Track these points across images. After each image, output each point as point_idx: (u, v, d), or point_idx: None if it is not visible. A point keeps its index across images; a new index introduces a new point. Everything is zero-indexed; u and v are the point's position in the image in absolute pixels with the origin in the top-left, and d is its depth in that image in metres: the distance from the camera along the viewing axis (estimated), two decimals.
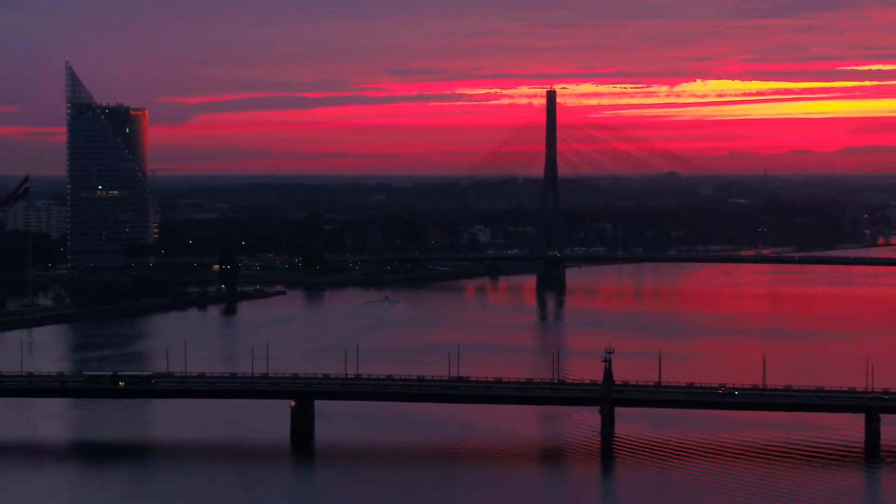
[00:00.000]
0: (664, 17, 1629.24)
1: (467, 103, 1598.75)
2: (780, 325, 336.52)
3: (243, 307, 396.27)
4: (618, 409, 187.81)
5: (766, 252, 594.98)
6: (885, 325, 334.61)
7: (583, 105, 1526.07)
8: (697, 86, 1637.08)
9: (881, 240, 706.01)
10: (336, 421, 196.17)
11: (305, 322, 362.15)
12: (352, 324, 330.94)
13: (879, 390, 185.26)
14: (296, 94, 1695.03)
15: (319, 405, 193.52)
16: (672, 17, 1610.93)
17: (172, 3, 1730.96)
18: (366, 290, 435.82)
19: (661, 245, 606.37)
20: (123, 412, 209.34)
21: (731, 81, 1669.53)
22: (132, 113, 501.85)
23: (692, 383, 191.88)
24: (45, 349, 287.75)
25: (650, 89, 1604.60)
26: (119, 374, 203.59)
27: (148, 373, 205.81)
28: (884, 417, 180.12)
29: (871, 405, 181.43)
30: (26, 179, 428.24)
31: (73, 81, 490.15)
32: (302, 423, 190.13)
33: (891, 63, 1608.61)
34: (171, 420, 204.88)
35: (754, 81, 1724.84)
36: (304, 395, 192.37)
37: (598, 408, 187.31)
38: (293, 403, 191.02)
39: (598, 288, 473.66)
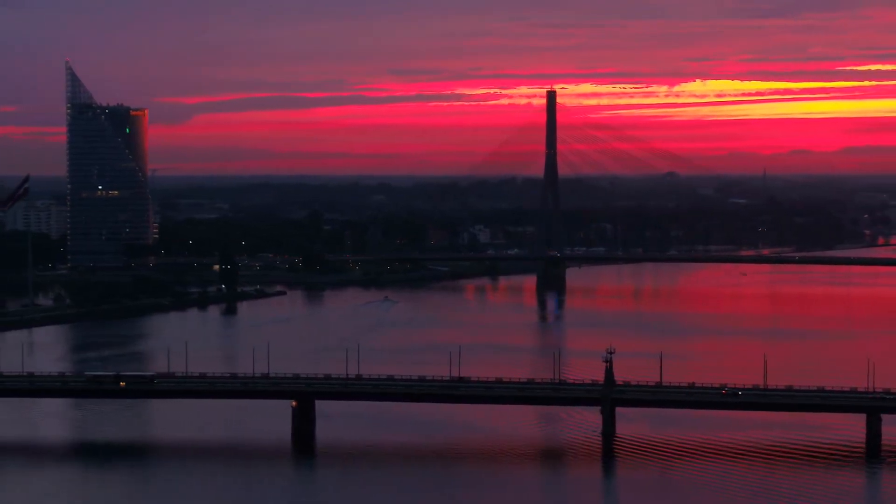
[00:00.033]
0: (664, 18, 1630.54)
1: (467, 103, 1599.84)
2: (780, 326, 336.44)
3: (243, 307, 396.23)
4: (619, 410, 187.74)
5: (765, 252, 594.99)
6: (884, 325, 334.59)
7: (582, 105, 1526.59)
8: (697, 86, 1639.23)
9: (881, 240, 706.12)
10: (337, 421, 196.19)
11: (306, 322, 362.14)
12: (352, 324, 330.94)
13: (881, 390, 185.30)
14: (295, 94, 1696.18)
15: (320, 405, 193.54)
16: (671, 17, 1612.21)
17: (172, 3, 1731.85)
18: (366, 291, 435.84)
19: (661, 245, 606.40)
20: (124, 412, 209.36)
21: (730, 81, 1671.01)
22: (132, 113, 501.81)
23: (693, 383, 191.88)
24: (45, 349, 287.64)
25: (649, 89, 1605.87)
26: (122, 374, 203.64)
27: (151, 373, 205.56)
28: (885, 417, 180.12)
29: (872, 405, 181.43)
30: (27, 179, 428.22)
31: (73, 81, 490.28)
32: (303, 424, 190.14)
33: (890, 63, 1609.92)
34: (172, 420, 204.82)
35: (754, 81, 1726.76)
36: (306, 395, 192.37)
37: (599, 408, 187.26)
38: (294, 404, 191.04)
39: (598, 288, 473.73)
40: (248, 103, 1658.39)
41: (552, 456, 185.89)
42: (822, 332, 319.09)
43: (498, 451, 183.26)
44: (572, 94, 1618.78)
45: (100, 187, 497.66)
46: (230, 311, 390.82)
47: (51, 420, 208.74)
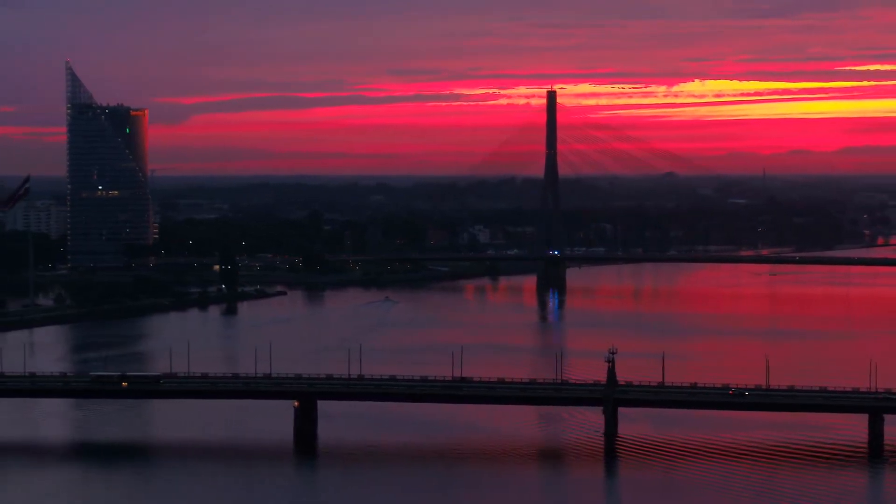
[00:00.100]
0: (663, 18, 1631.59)
1: (466, 103, 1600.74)
2: (779, 326, 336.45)
3: (244, 307, 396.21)
4: (621, 410, 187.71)
5: (765, 252, 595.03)
6: (884, 325, 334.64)
7: (581, 105, 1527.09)
8: (696, 86, 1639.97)
9: (880, 240, 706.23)
10: (339, 421, 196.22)
11: (306, 322, 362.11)
12: (353, 324, 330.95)
13: (883, 391, 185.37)
14: (295, 95, 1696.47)
15: (322, 405, 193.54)
16: (670, 17, 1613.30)
17: (172, 3, 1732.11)
18: (366, 291, 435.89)
19: (661, 245, 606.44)
20: (126, 412, 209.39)
21: (729, 81, 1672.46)
22: (132, 113, 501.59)
23: (695, 383, 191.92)
24: (46, 349, 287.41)
25: (648, 89, 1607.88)
26: (127, 374, 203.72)
27: (156, 373, 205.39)
28: (888, 418, 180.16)
29: (875, 405, 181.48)
30: (27, 179, 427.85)
31: (74, 81, 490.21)
32: (305, 424, 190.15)
33: (889, 63, 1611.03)
34: (173, 420, 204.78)
35: (752, 81, 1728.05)
36: (308, 395, 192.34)
37: (601, 408, 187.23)
38: (296, 404, 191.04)
39: (598, 288, 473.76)
40: (247, 103, 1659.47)
41: (554, 456, 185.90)
42: (822, 333, 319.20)
43: (500, 452, 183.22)
44: (571, 94, 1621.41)
45: (100, 187, 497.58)
46: (230, 311, 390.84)
47: (52, 420, 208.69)
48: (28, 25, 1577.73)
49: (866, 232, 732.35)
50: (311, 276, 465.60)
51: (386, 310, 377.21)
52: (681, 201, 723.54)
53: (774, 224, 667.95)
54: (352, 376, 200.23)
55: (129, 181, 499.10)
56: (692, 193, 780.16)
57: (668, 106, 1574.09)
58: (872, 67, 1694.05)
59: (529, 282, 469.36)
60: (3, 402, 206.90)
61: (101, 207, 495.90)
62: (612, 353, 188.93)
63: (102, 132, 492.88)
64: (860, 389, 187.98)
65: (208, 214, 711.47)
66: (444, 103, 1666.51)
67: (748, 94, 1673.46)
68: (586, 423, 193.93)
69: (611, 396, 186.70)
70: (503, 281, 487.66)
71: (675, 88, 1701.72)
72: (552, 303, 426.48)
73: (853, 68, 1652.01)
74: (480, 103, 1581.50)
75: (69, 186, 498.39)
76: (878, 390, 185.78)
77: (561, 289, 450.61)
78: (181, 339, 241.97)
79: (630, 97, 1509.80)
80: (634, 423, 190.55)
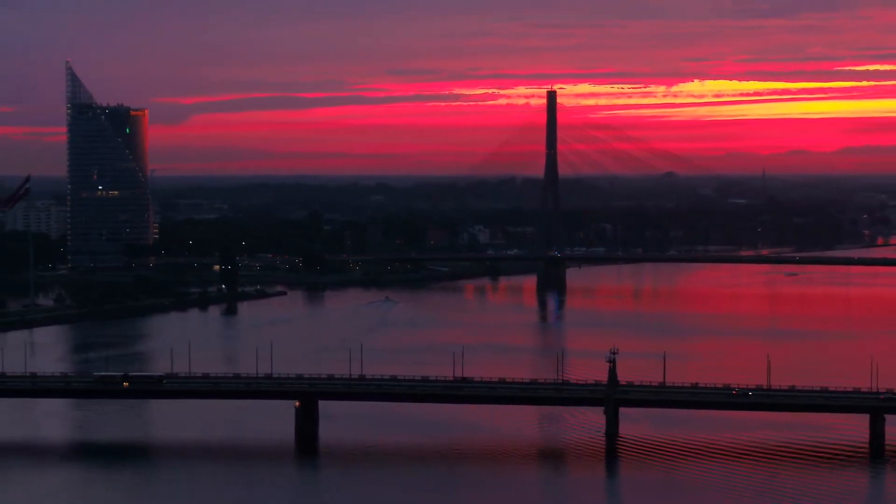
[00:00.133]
0: (662, 18, 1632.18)
1: (465, 103, 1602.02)
2: (779, 326, 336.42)
3: (244, 307, 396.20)
4: (622, 410, 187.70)
5: (765, 252, 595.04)
6: (885, 325, 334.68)
7: (580, 105, 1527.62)
8: (695, 86, 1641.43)
9: (880, 240, 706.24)
10: (340, 421, 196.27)
11: (307, 322, 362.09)
12: (353, 324, 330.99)
13: (884, 391, 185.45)
14: (293, 95, 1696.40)
15: (324, 405, 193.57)
16: (670, 17, 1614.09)
17: (172, 3, 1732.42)
18: (366, 291, 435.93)
19: (661, 245, 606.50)
20: (127, 413, 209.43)
21: (728, 82, 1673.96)
22: (132, 113, 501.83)
23: (696, 384, 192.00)
24: (46, 349, 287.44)
25: (648, 89, 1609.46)
26: (130, 374, 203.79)
27: (160, 374, 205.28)
28: (889, 418, 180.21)
29: (876, 406, 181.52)
30: (28, 179, 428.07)
31: (74, 81, 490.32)
32: (306, 424, 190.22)
33: (888, 63, 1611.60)
34: (175, 420, 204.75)
35: (752, 82, 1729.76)
36: (309, 395, 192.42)
37: (602, 408, 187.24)
38: (297, 404, 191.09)
39: (598, 288, 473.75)
40: (246, 103, 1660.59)
41: (555, 456, 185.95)
42: (822, 333, 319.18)
43: (501, 452, 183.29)
44: (570, 94, 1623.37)
45: (100, 187, 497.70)
46: (231, 311, 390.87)
47: (53, 420, 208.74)
48: (28, 25, 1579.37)
49: (866, 232, 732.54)
50: (311, 276, 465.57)
51: (386, 310, 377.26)
52: (681, 201, 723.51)
53: (774, 224, 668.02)
54: (353, 376, 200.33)
55: (129, 181, 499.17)
56: (692, 193, 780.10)
57: (667, 106, 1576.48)
58: (872, 67, 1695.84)
59: (529, 282, 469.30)
60: (4, 402, 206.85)
61: (101, 207, 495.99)
62: (614, 354, 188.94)
63: (102, 132, 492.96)
64: (861, 390, 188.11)
65: (208, 214, 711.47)
66: (443, 103, 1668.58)
67: (748, 94, 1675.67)
68: (587, 423, 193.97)
69: (612, 396, 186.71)
70: (503, 281, 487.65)
71: (675, 88, 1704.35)
72: (552, 303, 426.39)
73: (853, 68, 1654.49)
74: (480, 103, 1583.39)
75: (69, 186, 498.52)
76: (880, 390, 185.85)
77: (561, 289, 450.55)
78: (182, 340, 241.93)
79: (629, 97, 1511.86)
80: (635, 424, 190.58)
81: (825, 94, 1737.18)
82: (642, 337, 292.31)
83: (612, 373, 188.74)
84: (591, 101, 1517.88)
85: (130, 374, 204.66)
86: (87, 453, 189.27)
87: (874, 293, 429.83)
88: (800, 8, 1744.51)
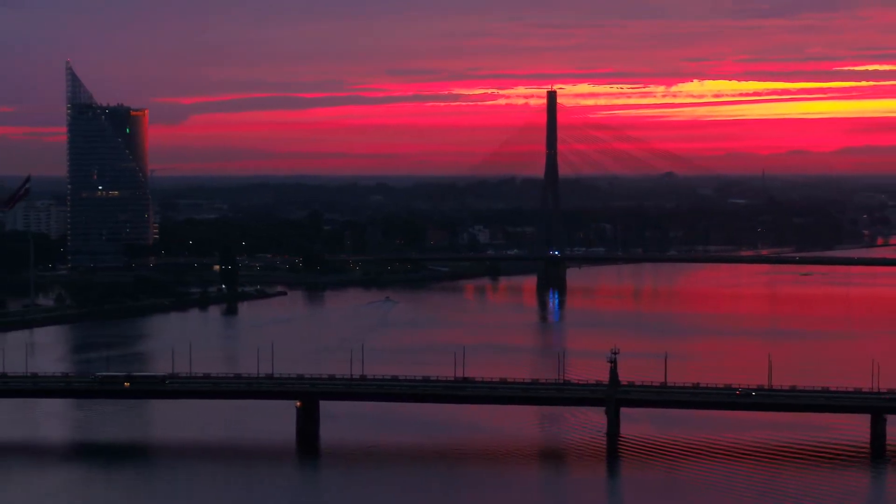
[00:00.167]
0: (661, 18, 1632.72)
1: (464, 103, 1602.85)
2: (780, 326, 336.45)
3: (244, 308, 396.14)
4: (623, 410, 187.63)
5: (765, 252, 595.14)
6: (885, 325, 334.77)
7: (580, 105, 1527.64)
8: (694, 86, 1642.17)
9: (880, 240, 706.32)
10: (341, 421, 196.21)
11: (307, 322, 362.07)
12: (353, 324, 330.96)
13: (886, 391, 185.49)
14: (293, 95, 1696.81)
15: (325, 405, 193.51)
16: (669, 17, 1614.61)
17: (172, 3, 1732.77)
18: (366, 291, 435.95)
19: (661, 245, 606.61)
20: (128, 413, 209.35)
21: (728, 82, 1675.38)
22: (132, 113, 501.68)
23: (697, 384, 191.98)
24: (47, 350, 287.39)
25: (647, 89, 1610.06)
26: (133, 374, 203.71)
27: (162, 374, 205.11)
28: (890, 418, 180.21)
29: (877, 406, 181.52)
30: (28, 179, 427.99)
31: (74, 82, 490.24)
32: (307, 424, 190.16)
33: (888, 63, 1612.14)
34: (175, 421, 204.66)
35: (751, 82, 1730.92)
36: (310, 395, 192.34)
37: (603, 408, 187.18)
38: (299, 404, 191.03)
39: (598, 288, 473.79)
40: (245, 103, 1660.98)
41: (556, 456, 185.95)
42: (822, 333, 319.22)
43: (502, 452, 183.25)
44: (570, 94, 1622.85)
45: (100, 187, 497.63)
46: (231, 311, 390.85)
47: (54, 420, 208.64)
48: (28, 25, 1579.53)
49: (866, 232, 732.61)
50: (312, 276, 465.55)
51: (386, 310, 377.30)
52: (680, 201, 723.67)
53: (774, 224, 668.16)
54: (354, 376, 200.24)
55: (129, 181, 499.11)
56: (692, 193, 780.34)
57: (666, 106, 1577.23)
58: (871, 67, 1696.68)
59: (529, 282, 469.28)
60: (5, 403, 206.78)
61: (101, 207, 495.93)
62: (615, 354, 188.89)
63: (102, 132, 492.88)
64: (862, 390, 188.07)
65: (208, 214, 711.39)
66: (443, 103, 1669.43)
67: (747, 95, 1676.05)
68: (589, 423, 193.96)
69: (613, 397, 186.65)
70: (503, 281, 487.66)
71: (674, 88, 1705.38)
72: (552, 303, 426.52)
73: (852, 68, 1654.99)
74: (479, 103, 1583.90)
75: (69, 186, 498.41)
76: (881, 390, 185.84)
77: (561, 289, 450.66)
78: (182, 340, 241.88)
79: (629, 97, 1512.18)
80: (636, 424, 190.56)
81: (825, 94, 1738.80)
82: (642, 337, 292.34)
83: (614, 373, 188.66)
84: (590, 102, 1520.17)
85: (133, 374, 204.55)
86: (88, 453, 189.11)
87: (874, 293, 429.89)
88: (799, 8, 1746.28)
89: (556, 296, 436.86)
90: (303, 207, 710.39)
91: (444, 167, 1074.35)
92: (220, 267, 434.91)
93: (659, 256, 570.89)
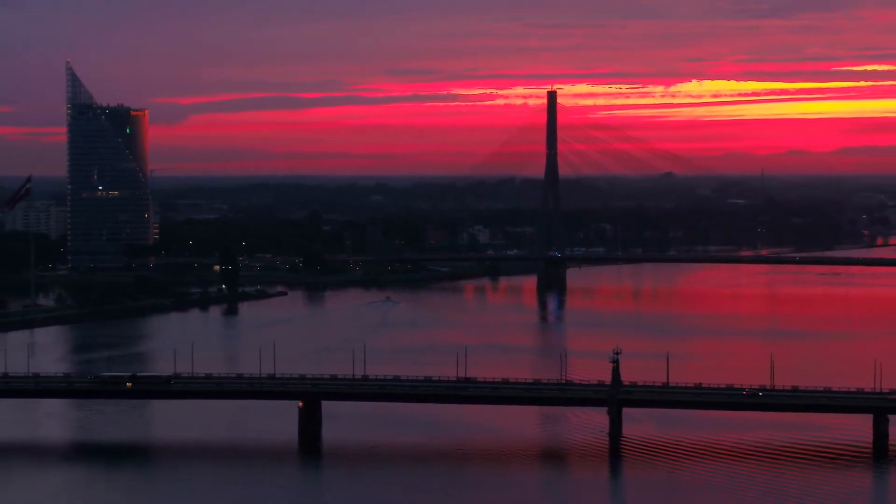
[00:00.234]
0: (660, 18, 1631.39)
1: (463, 104, 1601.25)
2: (780, 326, 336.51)
3: (245, 308, 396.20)
4: (625, 410, 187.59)
5: (764, 252, 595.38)
6: (885, 325, 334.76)
7: (579, 105, 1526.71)
8: (693, 86, 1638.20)
9: (879, 240, 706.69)
10: (343, 422, 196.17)
11: (307, 322, 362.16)
12: (354, 324, 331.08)
13: (888, 391, 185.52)
14: (292, 95, 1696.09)
15: (327, 406, 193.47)
16: (668, 17, 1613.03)
17: (172, 3, 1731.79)
18: (367, 291, 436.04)
19: (661, 245, 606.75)
20: (130, 413, 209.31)
21: (726, 82, 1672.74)
22: (132, 113, 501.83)
23: (700, 384, 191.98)
24: (47, 350, 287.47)
25: (646, 90, 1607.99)
26: (137, 375, 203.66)
27: (167, 374, 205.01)
28: (892, 418, 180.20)
29: (879, 406, 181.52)
30: (29, 179, 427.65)
31: (74, 82, 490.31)
32: (309, 424, 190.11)
33: (887, 63, 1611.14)
34: (177, 421, 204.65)
35: (750, 82, 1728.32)
36: (312, 395, 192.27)
37: (605, 408, 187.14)
38: (301, 404, 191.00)
39: (598, 288, 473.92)
40: (245, 104, 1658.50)
41: (558, 457, 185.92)
42: (822, 333, 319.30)
43: (504, 452, 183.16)
44: (569, 94, 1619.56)
45: (100, 188, 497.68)
46: (231, 311, 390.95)
47: (55, 420, 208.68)
48: (28, 25, 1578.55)
49: (865, 232, 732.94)
50: (312, 276, 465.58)
51: (387, 310, 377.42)
52: (680, 201, 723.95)
53: (773, 224, 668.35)
54: (356, 377, 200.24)
55: (129, 181, 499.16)
56: (691, 193, 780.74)
57: (665, 106, 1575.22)
58: (870, 68, 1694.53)
59: (530, 282, 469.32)
60: (7, 403, 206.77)
61: (101, 207, 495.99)
62: (617, 354, 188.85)
63: (102, 132, 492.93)
64: (864, 390, 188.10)
65: (208, 214, 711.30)
66: (442, 103, 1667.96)
67: (746, 95, 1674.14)
68: (591, 423, 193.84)
69: (615, 397, 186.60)
70: (503, 281, 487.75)
71: (673, 88, 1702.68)
72: (552, 303, 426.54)
73: (851, 68, 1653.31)
74: (478, 103, 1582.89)
75: (69, 186, 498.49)
76: (883, 390, 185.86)
77: (561, 289, 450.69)
78: (183, 340, 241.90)
79: (628, 97, 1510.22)
80: (639, 424, 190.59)
81: (823, 94, 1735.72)
82: (643, 337, 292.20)
83: (616, 373, 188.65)
84: (589, 102, 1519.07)
85: (138, 374, 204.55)
86: (89, 453, 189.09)
87: (874, 293, 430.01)
88: (798, 8, 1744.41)
89: (557, 296, 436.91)
90: (302, 207, 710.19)
91: (444, 167, 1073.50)
92: (221, 267, 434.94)
93: (659, 256, 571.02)
